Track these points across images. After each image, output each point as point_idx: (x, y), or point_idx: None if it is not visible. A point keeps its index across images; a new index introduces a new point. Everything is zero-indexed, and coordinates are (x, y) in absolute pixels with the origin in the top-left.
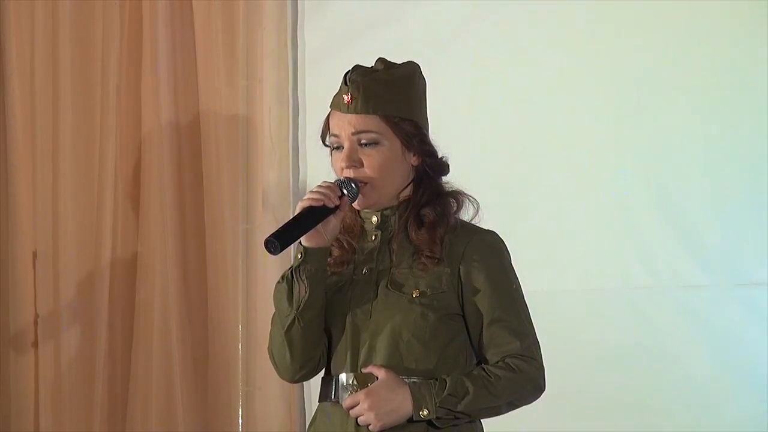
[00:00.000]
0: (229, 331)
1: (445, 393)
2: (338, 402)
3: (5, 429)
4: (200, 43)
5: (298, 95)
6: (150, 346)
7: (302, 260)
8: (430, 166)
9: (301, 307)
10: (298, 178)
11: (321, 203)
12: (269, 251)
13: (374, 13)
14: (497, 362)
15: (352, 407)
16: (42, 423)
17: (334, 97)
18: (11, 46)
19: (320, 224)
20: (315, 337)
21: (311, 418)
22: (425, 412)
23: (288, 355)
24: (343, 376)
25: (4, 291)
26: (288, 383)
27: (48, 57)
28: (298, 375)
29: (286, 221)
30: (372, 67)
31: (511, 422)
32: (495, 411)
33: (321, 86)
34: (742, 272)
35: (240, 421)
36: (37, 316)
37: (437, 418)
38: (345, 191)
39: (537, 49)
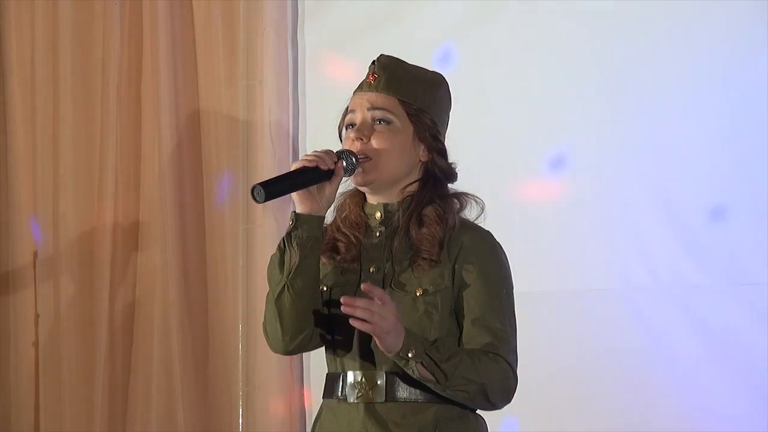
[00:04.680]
0: (229, 331)
1: (434, 345)
2: (345, 399)
3: (5, 429)
4: (200, 43)
5: (298, 95)
6: (150, 346)
7: (293, 226)
8: (440, 167)
9: (291, 274)
10: None
11: (314, 164)
12: (254, 198)
13: (374, 13)
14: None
15: (369, 295)
16: (42, 423)
17: (360, 83)
18: (11, 46)
19: (315, 188)
20: (305, 310)
21: (316, 415)
22: (412, 353)
23: (278, 325)
24: (350, 374)
25: (4, 291)
26: (288, 383)
27: (48, 57)
28: (291, 347)
29: (278, 174)
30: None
31: (511, 421)
32: (470, 387)
33: (321, 86)
34: (742, 272)
35: (240, 421)
36: (37, 316)
37: (420, 364)
38: (344, 161)
39: (537, 49)
